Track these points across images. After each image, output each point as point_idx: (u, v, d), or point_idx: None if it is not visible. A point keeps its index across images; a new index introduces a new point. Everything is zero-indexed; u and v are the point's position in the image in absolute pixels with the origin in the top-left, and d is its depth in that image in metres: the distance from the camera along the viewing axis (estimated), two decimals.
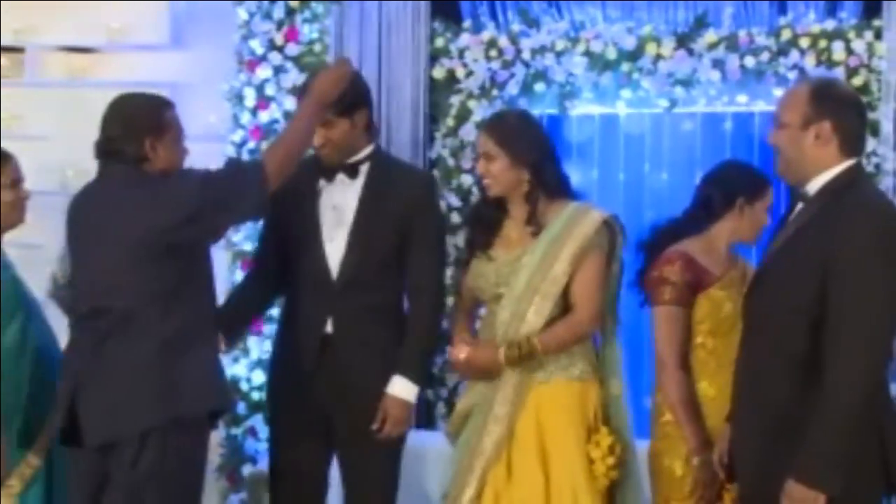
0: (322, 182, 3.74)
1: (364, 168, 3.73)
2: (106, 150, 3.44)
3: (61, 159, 6.15)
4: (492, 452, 3.49)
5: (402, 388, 3.64)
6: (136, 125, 3.42)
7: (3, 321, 3.57)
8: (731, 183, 3.73)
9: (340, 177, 3.72)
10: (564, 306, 3.54)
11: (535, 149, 3.58)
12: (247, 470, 5.61)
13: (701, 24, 5.56)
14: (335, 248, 3.69)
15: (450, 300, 4.12)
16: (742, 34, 5.48)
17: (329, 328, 3.69)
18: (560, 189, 3.62)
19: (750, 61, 5.45)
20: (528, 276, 3.52)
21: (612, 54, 5.59)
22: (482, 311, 3.78)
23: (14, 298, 3.61)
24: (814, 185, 3.03)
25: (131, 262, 3.31)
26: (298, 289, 3.78)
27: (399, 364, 3.65)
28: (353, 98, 3.67)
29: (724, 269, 3.67)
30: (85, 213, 3.48)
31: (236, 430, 5.60)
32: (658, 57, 5.54)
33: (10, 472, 3.54)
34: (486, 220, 3.65)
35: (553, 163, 3.64)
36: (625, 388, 3.63)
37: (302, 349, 3.68)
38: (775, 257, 3.06)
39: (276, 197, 3.52)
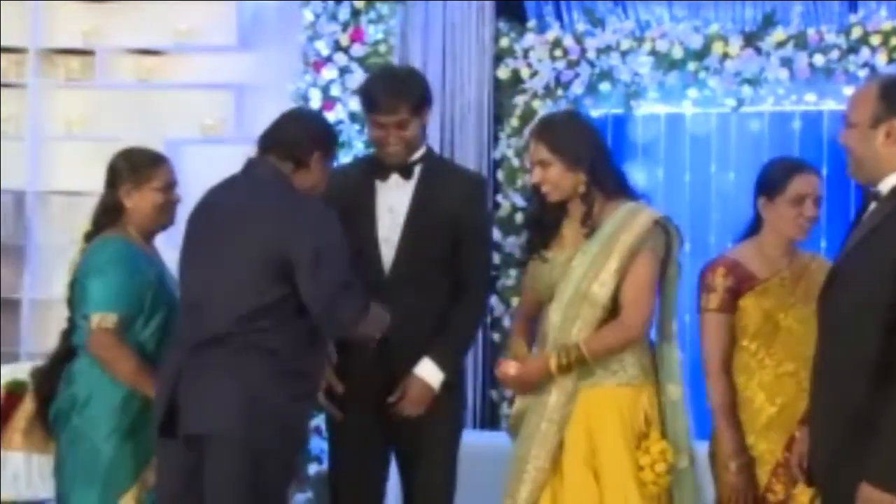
0: (377, 182, 3.75)
1: (418, 169, 3.74)
2: (271, 143, 3.50)
3: None
4: (543, 454, 3.46)
5: (428, 372, 3.63)
6: (314, 134, 3.52)
7: (146, 317, 3.65)
8: (756, 184, 3.70)
9: (395, 177, 3.73)
10: (615, 308, 3.51)
11: (590, 149, 3.51)
12: (313, 469, 5.64)
13: (769, 22, 5.53)
14: (389, 248, 3.71)
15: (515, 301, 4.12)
16: (811, 32, 5.44)
17: None
18: (617, 188, 3.54)
19: (819, 59, 5.41)
20: (578, 278, 3.47)
21: (678, 53, 5.57)
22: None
23: (158, 296, 3.68)
24: (886, 185, 2.98)
25: (256, 269, 3.35)
26: None
27: (432, 348, 3.65)
28: (422, 99, 3.69)
29: (774, 271, 3.62)
30: (217, 210, 3.51)
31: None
32: (725, 56, 5.52)
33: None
34: (543, 222, 3.61)
35: (608, 160, 3.57)
36: (683, 392, 3.54)
37: (357, 350, 3.69)
38: (849, 257, 3.01)
39: (334, 198, 3.55)
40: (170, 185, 3.78)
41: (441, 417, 3.73)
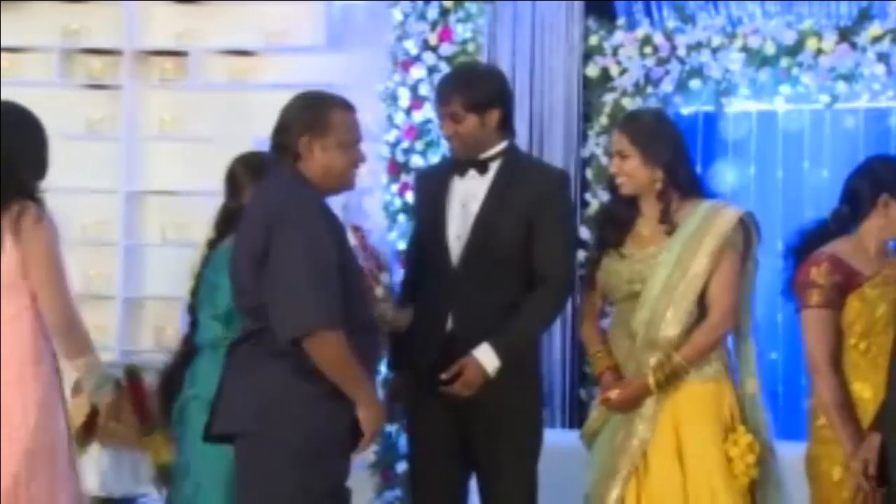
0: (455, 178, 3.76)
1: (495, 164, 3.73)
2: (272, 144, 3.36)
3: (222, 160, 6.29)
4: (637, 453, 3.49)
5: (485, 356, 3.59)
6: (296, 117, 3.27)
7: None
8: (874, 180, 3.62)
9: (471, 172, 3.74)
10: (700, 304, 3.51)
11: (669, 148, 3.58)
12: (401, 467, 5.66)
13: (865, 16, 5.46)
14: (459, 242, 3.70)
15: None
16: None
17: (450, 325, 3.68)
18: (693, 188, 3.60)
19: None
20: (665, 275, 3.51)
21: (770, 49, 5.53)
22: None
23: None
24: None
25: (254, 268, 3.24)
26: (423, 285, 3.80)
27: (496, 333, 3.62)
28: (484, 97, 3.69)
29: (875, 269, 3.56)
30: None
31: (390, 428, 5.66)
32: (819, 51, 5.47)
33: None
34: (618, 218, 3.64)
35: (686, 162, 3.63)
36: (760, 387, 3.57)
37: (424, 346, 3.68)
38: None
39: (419, 194, 3.53)
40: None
41: (519, 428, 3.70)
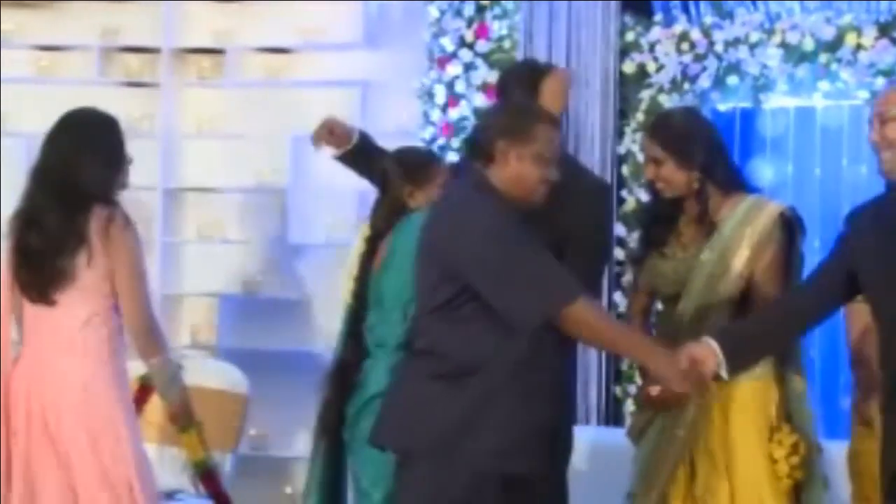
0: None
1: None
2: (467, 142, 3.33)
3: (259, 157, 6.35)
4: (679, 454, 3.47)
5: None
6: (495, 122, 3.22)
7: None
8: None
9: None
10: (744, 302, 3.49)
11: (703, 148, 3.51)
12: None
13: None
14: None
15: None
16: None
17: None
18: (734, 183, 3.56)
19: None
20: (707, 274, 3.49)
21: (809, 45, 5.51)
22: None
23: None
24: None
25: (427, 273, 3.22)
26: None
27: None
28: None
29: None
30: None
31: None
32: (858, 47, 5.44)
33: None
34: (662, 218, 3.62)
35: (724, 158, 3.58)
36: (806, 384, 3.54)
37: None
38: None
39: None
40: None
41: None
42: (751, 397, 3.46)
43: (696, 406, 3.44)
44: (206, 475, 3.79)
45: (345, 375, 3.73)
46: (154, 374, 3.59)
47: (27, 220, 3.48)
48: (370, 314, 3.73)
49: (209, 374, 5.12)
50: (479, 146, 3.21)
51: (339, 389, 3.72)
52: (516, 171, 3.14)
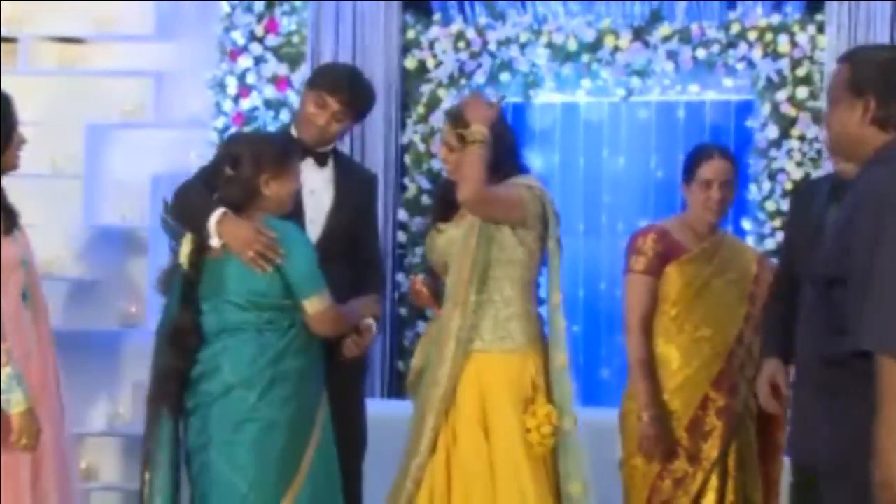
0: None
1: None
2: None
3: (52, 143, 6.32)
4: (439, 408, 3.60)
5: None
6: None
7: None
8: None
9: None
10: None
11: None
12: None
13: (656, 17, 5.81)
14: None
15: None
16: (694, 27, 5.74)
17: None
18: (509, 166, 3.71)
19: (701, 53, 5.72)
20: (456, 249, 3.68)
21: (572, 46, 5.82)
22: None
23: None
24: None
25: None
26: None
27: None
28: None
29: (697, 244, 3.91)
30: None
31: None
32: (616, 49, 5.78)
33: None
34: (447, 198, 3.77)
35: (505, 143, 3.70)
36: (568, 360, 3.68)
37: None
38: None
39: None
40: None
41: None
42: (504, 368, 3.61)
43: (449, 377, 3.59)
44: None
45: (183, 342, 3.53)
46: None
47: None
48: (208, 300, 3.54)
49: None
50: None
51: (179, 357, 3.53)
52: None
